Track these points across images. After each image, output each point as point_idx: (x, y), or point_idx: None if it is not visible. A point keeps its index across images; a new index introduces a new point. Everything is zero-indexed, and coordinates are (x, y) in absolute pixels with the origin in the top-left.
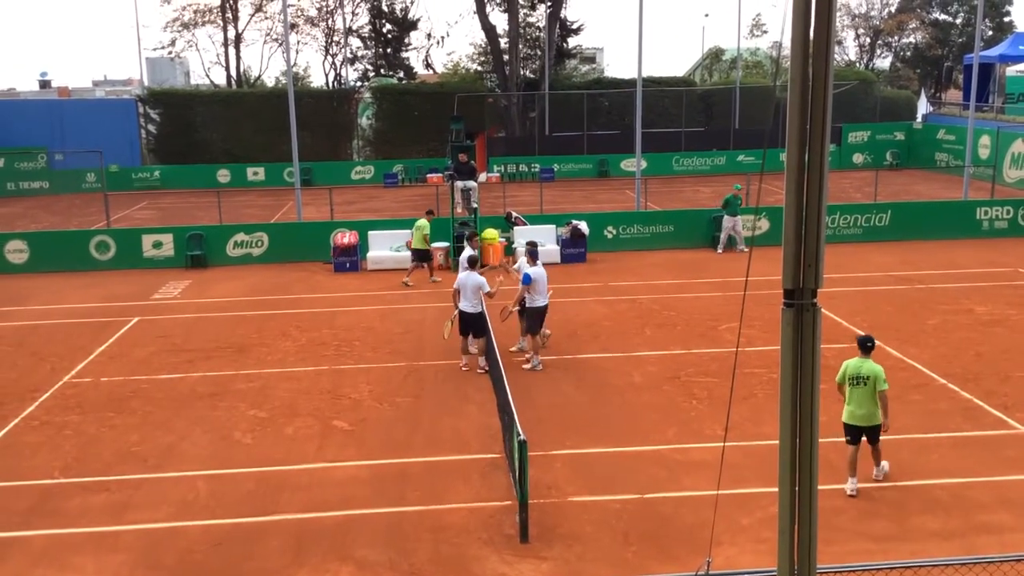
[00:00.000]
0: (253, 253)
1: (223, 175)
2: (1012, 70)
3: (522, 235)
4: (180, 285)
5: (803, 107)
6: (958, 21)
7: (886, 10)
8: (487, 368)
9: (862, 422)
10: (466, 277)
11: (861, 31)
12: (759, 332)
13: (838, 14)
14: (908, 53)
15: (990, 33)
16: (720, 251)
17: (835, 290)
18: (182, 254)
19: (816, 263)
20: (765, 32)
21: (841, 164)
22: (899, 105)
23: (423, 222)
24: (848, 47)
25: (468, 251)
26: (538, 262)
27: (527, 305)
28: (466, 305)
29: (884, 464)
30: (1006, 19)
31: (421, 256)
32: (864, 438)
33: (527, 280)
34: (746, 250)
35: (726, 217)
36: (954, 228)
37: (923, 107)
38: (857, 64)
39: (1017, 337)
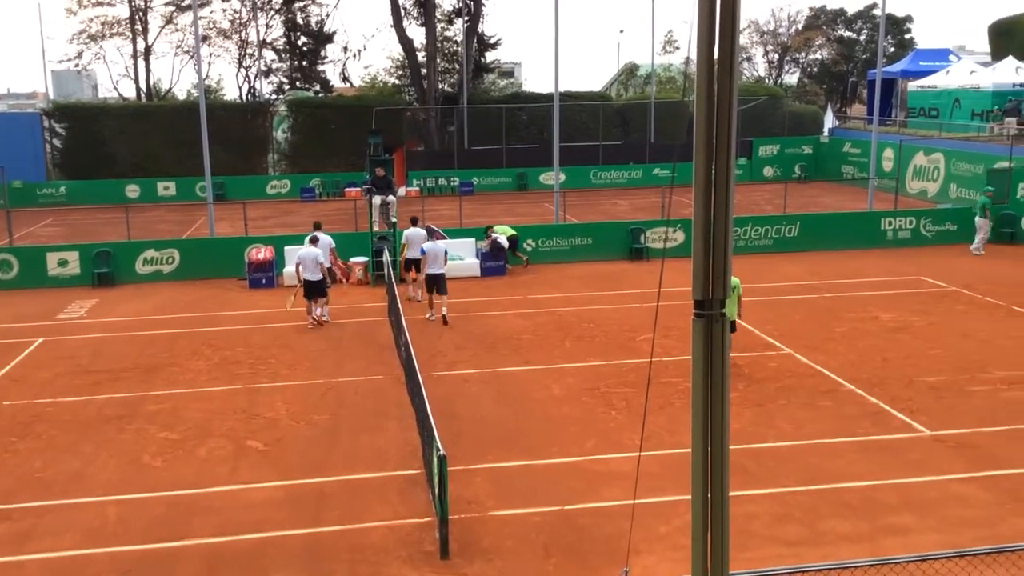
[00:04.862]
0: (163, 270)
1: (132, 190)
2: (913, 85)
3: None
4: (86, 304)
5: (709, 123)
6: (862, 38)
7: (793, 27)
8: (326, 320)
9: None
10: (306, 253)
11: (770, 47)
12: (675, 342)
13: (747, 31)
14: (815, 69)
15: (892, 50)
16: (981, 251)
17: (746, 299)
18: (89, 272)
19: (724, 275)
20: (677, 48)
21: (752, 177)
22: (806, 119)
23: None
24: (757, 63)
25: (318, 235)
26: (435, 239)
27: (426, 272)
28: (308, 275)
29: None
30: (907, 36)
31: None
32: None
33: (423, 252)
34: (981, 252)
35: (979, 219)
36: (860, 238)
37: (829, 121)
38: (766, 80)
39: (920, 343)
